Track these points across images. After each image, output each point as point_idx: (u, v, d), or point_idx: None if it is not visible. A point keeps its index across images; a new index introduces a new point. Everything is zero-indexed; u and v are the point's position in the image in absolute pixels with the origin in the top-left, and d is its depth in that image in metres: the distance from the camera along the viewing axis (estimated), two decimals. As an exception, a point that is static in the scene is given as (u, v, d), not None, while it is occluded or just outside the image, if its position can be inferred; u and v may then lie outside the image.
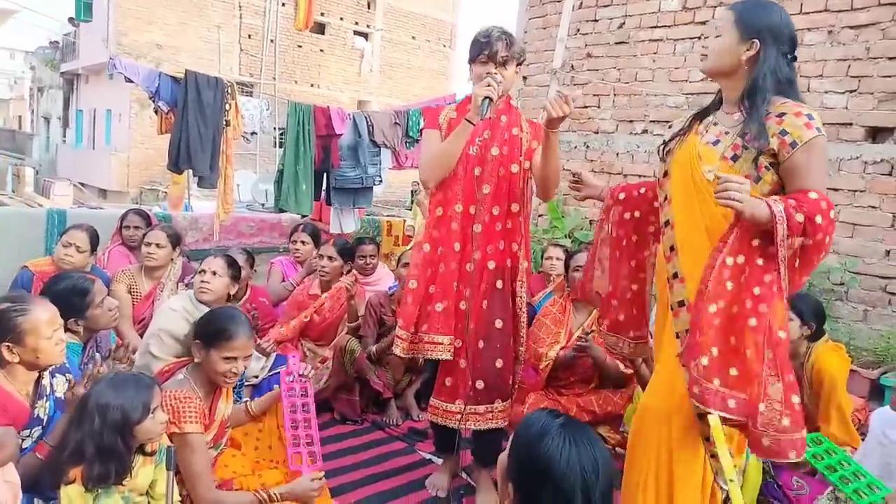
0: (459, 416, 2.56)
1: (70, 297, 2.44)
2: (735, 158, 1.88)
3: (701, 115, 2.06)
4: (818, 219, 1.70)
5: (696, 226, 1.93)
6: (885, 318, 4.29)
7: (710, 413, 1.72)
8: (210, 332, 2.27)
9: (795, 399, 1.74)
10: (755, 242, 1.77)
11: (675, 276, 1.96)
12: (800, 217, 1.68)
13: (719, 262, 1.77)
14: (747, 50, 1.87)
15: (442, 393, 2.62)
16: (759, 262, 1.76)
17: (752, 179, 1.83)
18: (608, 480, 1.28)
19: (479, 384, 2.57)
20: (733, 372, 1.75)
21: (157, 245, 3.51)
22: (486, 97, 2.37)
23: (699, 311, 1.78)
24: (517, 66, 2.56)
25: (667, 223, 2.02)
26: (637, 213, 2.32)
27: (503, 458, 1.36)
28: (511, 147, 2.57)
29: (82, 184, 18.40)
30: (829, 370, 2.85)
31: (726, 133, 1.93)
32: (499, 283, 2.59)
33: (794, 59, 1.92)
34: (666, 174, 2.07)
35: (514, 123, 2.61)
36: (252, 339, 2.37)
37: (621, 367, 3.31)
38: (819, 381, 2.80)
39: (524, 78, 6.36)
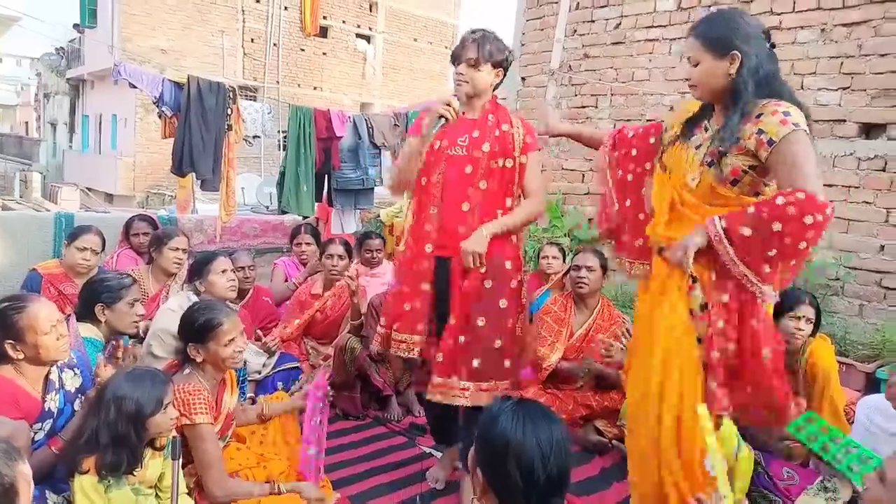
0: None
1: (109, 283, 2.60)
2: (711, 164, 1.97)
3: (694, 120, 2.13)
4: (807, 219, 1.76)
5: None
6: (881, 312, 4.32)
7: None
8: (198, 329, 2.31)
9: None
10: (729, 284, 1.94)
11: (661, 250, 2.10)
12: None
13: (712, 305, 1.97)
14: (731, 64, 1.91)
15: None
16: (733, 292, 1.94)
17: (727, 182, 1.95)
18: (563, 451, 1.32)
19: (476, 363, 2.52)
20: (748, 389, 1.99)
21: (183, 250, 3.59)
22: (441, 115, 2.38)
23: (708, 356, 1.97)
24: (495, 67, 2.54)
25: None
26: (634, 152, 2.38)
27: (473, 452, 1.40)
28: (503, 143, 2.57)
29: (89, 188, 18.55)
30: (822, 365, 2.90)
31: (710, 140, 2.01)
32: (512, 282, 2.60)
33: (773, 46, 1.97)
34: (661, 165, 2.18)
35: (503, 120, 2.60)
36: (236, 314, 2.49)
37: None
38: (814, 375, 2.85)
39: (522, 79, 6.42)
